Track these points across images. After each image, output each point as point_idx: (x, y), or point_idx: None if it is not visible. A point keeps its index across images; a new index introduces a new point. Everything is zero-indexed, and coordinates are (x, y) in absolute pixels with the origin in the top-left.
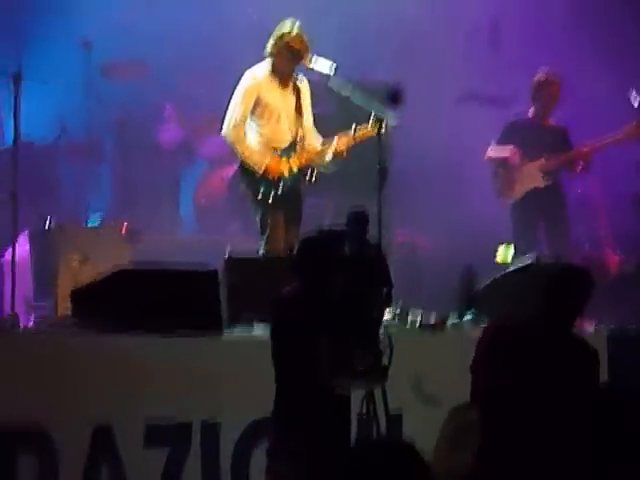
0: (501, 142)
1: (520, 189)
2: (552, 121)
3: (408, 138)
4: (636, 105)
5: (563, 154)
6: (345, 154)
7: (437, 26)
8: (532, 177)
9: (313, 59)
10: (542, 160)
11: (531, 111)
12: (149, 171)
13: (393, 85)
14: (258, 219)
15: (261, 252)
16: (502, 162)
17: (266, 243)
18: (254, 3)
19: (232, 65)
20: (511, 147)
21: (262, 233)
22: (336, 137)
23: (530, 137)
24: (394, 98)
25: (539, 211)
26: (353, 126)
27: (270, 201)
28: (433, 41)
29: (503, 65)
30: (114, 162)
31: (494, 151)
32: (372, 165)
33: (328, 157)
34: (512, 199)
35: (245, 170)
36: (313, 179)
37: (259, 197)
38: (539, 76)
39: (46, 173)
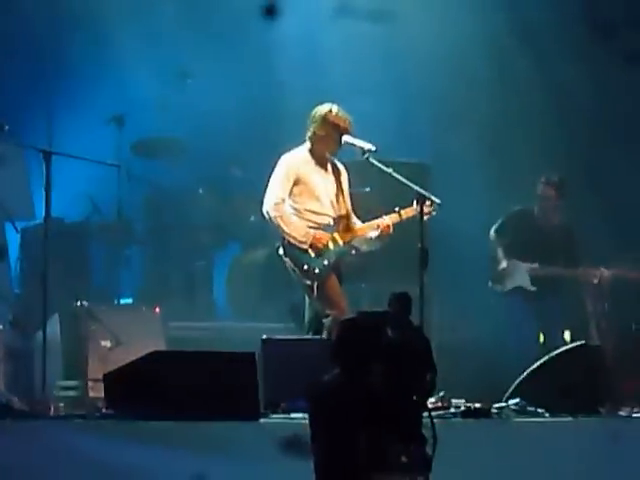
0: (500, 230)
1: (508, 284)
2: (557, 220)
3: (442, 219)
4: None
5: (556, 267)
6: (390, 232)
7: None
8: (521, 278)
9: (353, 138)
10: (535, 265)
11: (536, 207)
12: (181, 253)
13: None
14: (313, 295)
15: (328, 320)
16: (497, 253)
17: (333, 310)
18: (291, 85)
19: (266, 145)
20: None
21: (323, 306)
22: (383, 217)
23: (528, 233)
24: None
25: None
26: (397, 209)
27: (318, 271)
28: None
29: None
30: (145, 243)
31: (493, 238)
32: (407, 249)
33: (373, 234)
34: (500, 289)
35: (289, 246)
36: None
37: (306, 268)
38: (542, 179)
39: (76, 252)
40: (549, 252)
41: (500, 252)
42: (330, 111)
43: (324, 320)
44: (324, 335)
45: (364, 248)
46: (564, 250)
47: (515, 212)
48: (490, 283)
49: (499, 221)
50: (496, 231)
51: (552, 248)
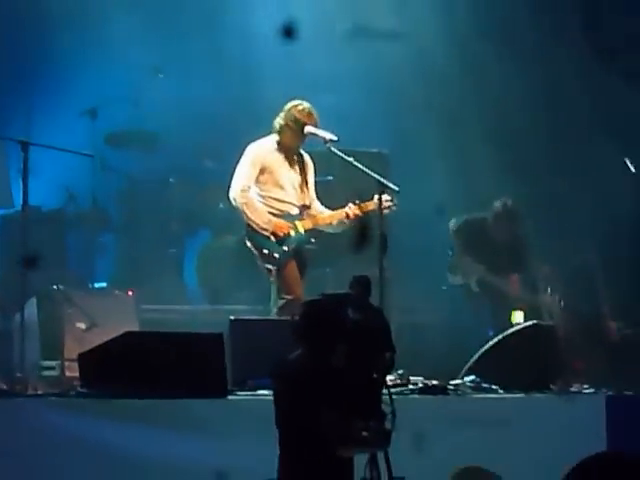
0: (458, 231)
1: (458, 279)
2: (510, 235)
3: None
4: (633, 170)
5: (500, 279)
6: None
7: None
8: (468, 277)
9: (316, 129)
10: (481, 267)
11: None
12: (154, 239)
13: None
14: (272, 278)
15: (281, 302)
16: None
17: (287, 295)
18: (261, 80)
19: (236, 137)
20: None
21: (279, 290)
22: (349, 206)
23: (481, 240)
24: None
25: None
26: (357, 201)
27: (278, 256)
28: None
29: None
30: (119, 230)
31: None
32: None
33: (335, 223)
34: (451, 281)
35: (252, 231)
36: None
37: (266, 252)
38: (497, 203)
39: (53, 239)
40: (498, 262)
41: (456, 248)
42: (296, 106)
43: (278, 302)
44: (274, 315)
45: (329, 230)
46: (513, 263)
47: (472, 220)
48: (447, 272)
49: (458, 221)
50: (454, 231)
51: (501, 260)
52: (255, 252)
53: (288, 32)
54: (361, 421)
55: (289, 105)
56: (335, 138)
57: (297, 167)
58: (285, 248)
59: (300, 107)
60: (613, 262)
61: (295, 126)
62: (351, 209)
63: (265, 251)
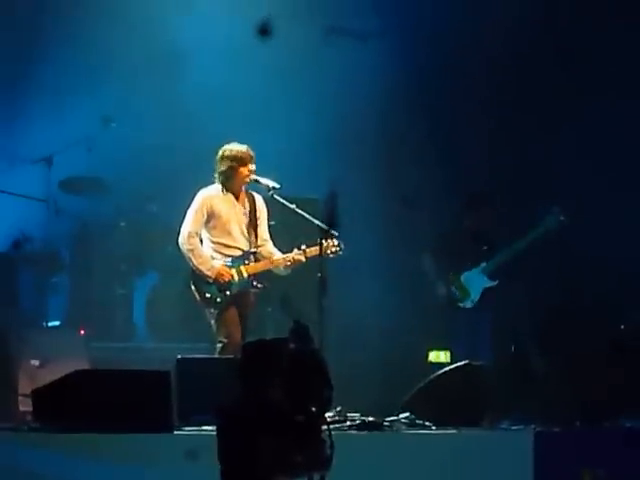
0: (436, 251)
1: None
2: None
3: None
4: None
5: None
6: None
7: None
8: (479, 280)
9: (259, 177)
10: (483, 264)
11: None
12: (104, 280)
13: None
14: (212, 321)
15: (219, 346)
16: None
17: (225, 338)
18: (203, 128)
19: (178, 183)
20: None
21: (217, 333)
22: (294, 252)
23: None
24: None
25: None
26: (303, 247)
27: (219, 300)
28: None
29: None
30: (71, 272)
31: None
32: (309, 276)
33: (282, 267)
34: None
35: (196, 276)
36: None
37: (208, 296)
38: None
39: (8, 279)
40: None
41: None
42: (230, 149)
43: (216, 346)
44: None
45: (276, 272)
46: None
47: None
48: (461, 304)
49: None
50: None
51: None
52: (197, 296)
53: (264, 31)
54: (300, 448)
55: (223, 149)
56: (278, 186)
57: (247, 210)
58: (227, 292)
59: (233, 148)
60: (539, 303)
61: (230, 168)
62: (296, 255)
63: (207, 295)
